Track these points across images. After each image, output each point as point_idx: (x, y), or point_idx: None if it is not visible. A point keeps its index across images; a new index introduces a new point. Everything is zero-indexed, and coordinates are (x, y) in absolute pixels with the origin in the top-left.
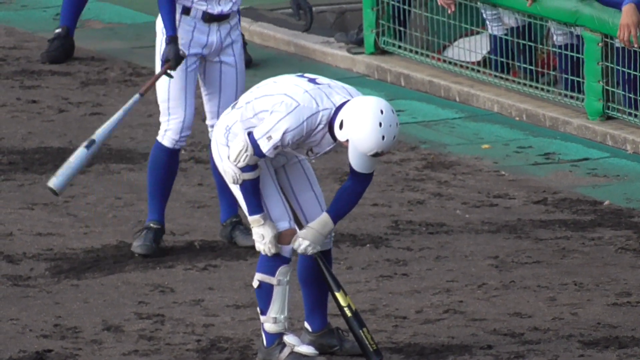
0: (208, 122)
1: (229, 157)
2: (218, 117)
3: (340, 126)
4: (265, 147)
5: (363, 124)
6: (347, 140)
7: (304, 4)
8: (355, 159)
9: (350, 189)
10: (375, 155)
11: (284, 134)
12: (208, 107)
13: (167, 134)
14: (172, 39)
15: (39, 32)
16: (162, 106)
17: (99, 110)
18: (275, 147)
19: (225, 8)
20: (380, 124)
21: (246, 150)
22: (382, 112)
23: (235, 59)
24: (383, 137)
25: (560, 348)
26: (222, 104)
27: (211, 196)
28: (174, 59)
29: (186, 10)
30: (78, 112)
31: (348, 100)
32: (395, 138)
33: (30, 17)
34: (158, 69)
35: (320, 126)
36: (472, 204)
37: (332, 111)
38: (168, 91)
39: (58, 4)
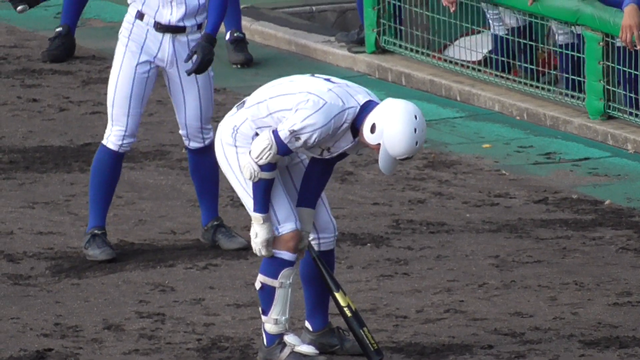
0: (180, 131)
1: (250, 154)
2: (186, 129)
3: (372, 129)
4: (293, 144)
5: (398, 129)
6: (379, 144)
7: None
8: (384, 162)
9: (318, 177)
10: (404, 158)
11: (312, 131)
12: (177, 118)
13: (110, 139)
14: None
15: (40, 31)
16: (108, 111)
17: (100, 109)
18: (300, 144)
19: (175, 18)
20: (415, 130)
21: (270, 149)
22: (416, 117)
23: (195, 76)
24: (416, 143)
25: (561, 348)
26: (187, 117)
27: None
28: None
29: (140, 16)
30: (79, 111)
31: (372, 101)
32: (423, 143)
33: (31, 15)
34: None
35: (345, 125)
36: (472, 203)
37: (357, 110)
38: (113, 97)
39: (59, 3)
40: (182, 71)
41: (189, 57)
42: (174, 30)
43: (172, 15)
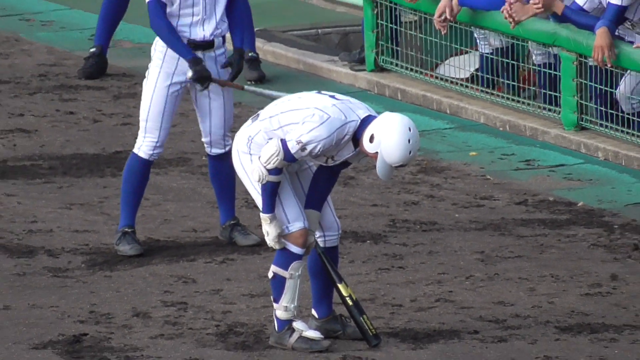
0: (203, 139)
1: (259, 158)
2: (210, 136)
3: (371, 140)
4: (299, 154)
5: (394, 140)
6: (376, 153)
7: None
8: (382, 169)
9: (324, 183)
10: (399, 166)
11: (316, 143)
12: (201, 127)
13: (141, 149)
14: (194, 60)
15: (76, 51)
16: (141, 124)
17: (129, 121)
18: (304, 153)
19: (207, 33)
20: (409, 140)
21: (277, 155)
22: (410, 129)
23: (222, 87)
24: (410, 152)
25: (539, 333)
26: (212, 125)
27: None
28: (200, 77)
29: None
30: (111, 122)
31: (370, 115)
32: (417, 152)
33: (69, 37)
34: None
35: (347, 137)
36: (461, 205)
37: (358, 123)
38: (148, 112)
39: (93, 26)
40: (210, 83)
41: (225, 66)
42: (205, 46)
43: (205, 30)
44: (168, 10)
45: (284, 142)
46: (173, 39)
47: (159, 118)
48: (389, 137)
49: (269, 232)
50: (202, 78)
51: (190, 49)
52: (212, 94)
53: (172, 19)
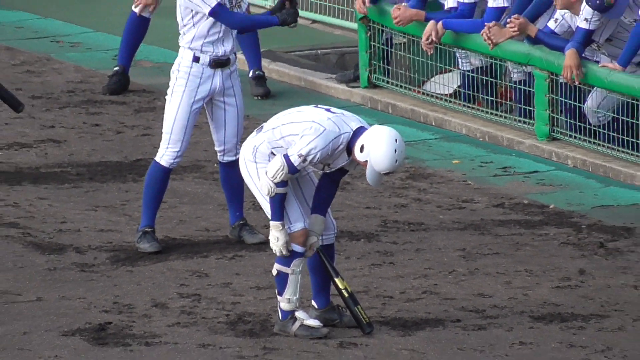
0: (216, 148)
1: (266, 174)
2: (224, 145)
3: (361, 149)
4: (299, 164)
5: (382, 150)
6: (366, 161)
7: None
8: (371, 176)
9: (327, 190)
10: (387, 173)
11: (315, 153)
12: (215, 137)
13: (163, 158)
14: (274, 20)
15: (101, 70)
16: (165, 136)
17: (149, 132)
18: (305, 164)
19: (228, 48)
20: (395, 151)
21: (282, 169)
22: (396, 141)
23: (235, 100)
24: (396, 161)
25: (515, 321)
26: (226, 134)
27: None
28: (289, 21)
29: (196, 59)
30: (132, 133)
31: (362, 126)
32: (403, 161)
33: (94, 57)
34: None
35: (341, 147)
36: (445, 207)
37: (350, 134)
38: (172, 126)
39: (116, 47)
40: (226, 96)
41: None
42: (223, 63)
43: (224, 46)
44: (196, 32)
45: (286, 157)
46: (253, 20)
47: (182, 132)
48: (377, 147)
49: (279, 237)
50: (289, 20)
51: (267, 16)
52: (227, 105)
53: (199, 39)
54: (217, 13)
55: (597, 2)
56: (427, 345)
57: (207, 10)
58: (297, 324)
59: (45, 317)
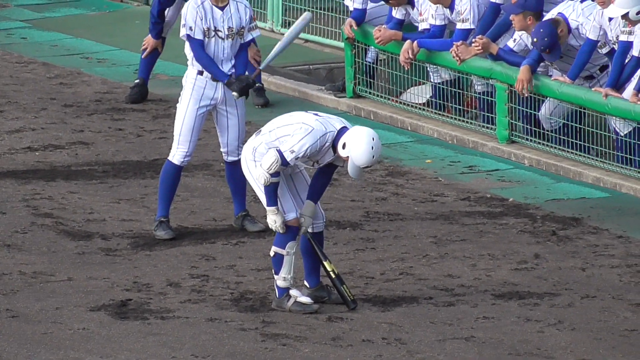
0: (221, 149)
1: (262, 165)
2: (227, 147)
3: (343, 146)
4: (291, 159)
5: (361, 147)
6: (348, 157)
7: None
8: (352, 169)
9: (320, 181)
10: (365, 167)
11: (305, 149)
12: (220, 140)
13: (175, 157)
14: (229, 82)
15: (124, 82)
16: (175, 138)
17: (165, 136)
18: (296, 159)
19: (226, 69)
20: (372, 148)
21: (276, 162)
22: (373, 139)
23: (237, 108)
24: (373, 156)
25: (479, 299)
26: (229, 138)
27: None
28: (242, 91)
29: (200, 72)
30: (150, 137)
31: (345, 127)
32: (380, 157)
33: (118, 71)
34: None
35: (327, 144)
36: (419, 200)
37: (335, 133)
38: (181, 128)
39: (137, 62)
40: (228, 106)
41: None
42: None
43: (224, 68)
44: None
45: (279, 152)
46: (209, 66)
47: (190, 133)
48: (356, 145)
49: (276, 220)
50: (243, 91)
51: (225, 73)
52: (230, 114)
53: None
54: (188, 41)
55: (540, 49)
56: (404, 319)
57: (181, 35)
58: (292, 300)
59: (75, 295)
